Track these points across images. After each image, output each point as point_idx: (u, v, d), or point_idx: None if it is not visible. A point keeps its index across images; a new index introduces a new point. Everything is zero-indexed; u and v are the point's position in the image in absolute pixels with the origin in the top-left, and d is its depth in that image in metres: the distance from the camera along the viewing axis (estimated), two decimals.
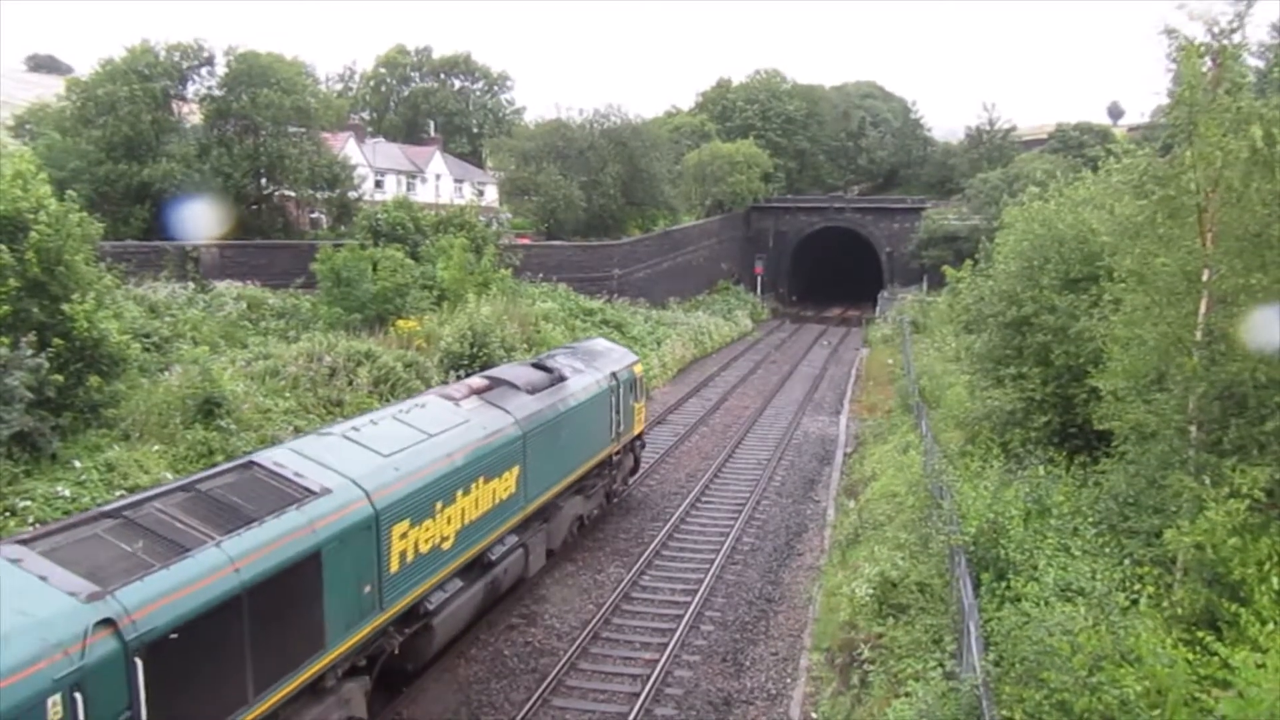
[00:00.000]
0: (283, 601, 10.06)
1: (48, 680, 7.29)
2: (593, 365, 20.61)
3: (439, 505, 13.17)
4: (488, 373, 18.38)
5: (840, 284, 74.57)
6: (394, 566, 12.08)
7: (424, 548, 12.81)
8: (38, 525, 13.63)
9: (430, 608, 13.29)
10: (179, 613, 8.58)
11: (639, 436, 23.46)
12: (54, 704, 7.31)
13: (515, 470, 15.71)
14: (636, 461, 23.68)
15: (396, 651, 12.68)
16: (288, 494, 10.78)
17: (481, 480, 14.51)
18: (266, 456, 11.63)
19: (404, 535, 12.30)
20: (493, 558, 15.26)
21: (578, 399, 18.64)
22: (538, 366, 18.99)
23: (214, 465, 13.32)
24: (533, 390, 17.24)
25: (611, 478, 21.63)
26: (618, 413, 20.99)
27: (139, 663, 8.08)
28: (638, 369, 23.09)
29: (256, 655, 9.57)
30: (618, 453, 21.57)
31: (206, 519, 9.79)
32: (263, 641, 9.67)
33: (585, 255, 47.84)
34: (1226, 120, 10.36)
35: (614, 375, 20.92)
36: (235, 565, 9.37)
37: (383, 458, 12.44)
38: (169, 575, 8.70)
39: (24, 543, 8.57)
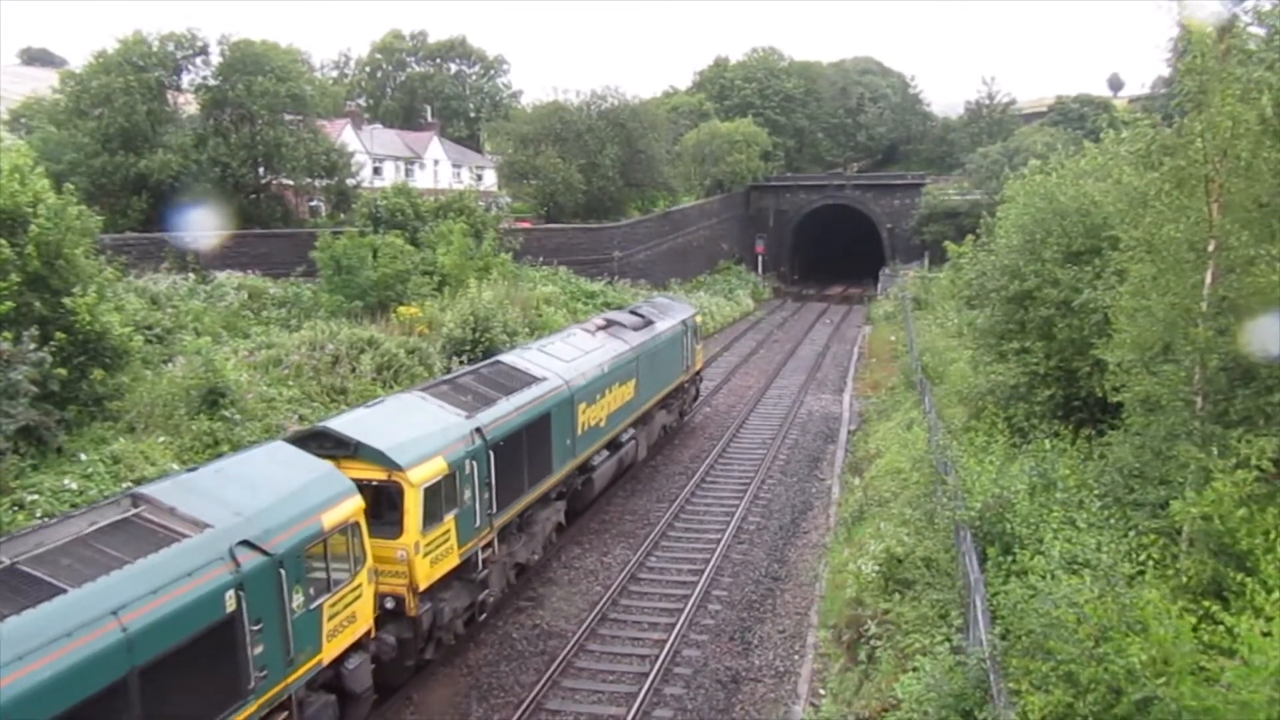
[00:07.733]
0: (537, 438, 16.85)
1: (464, 452, 13.99)
2: (667, 314, 27.46)
3: (597, 396, 20.04)
4: (604, 315, 25.67)
5: (842, 262, 74.21)
6: (580, 431, 18.95)
7: (592, 422, 19.69)
8: (43, 519, 13.69)
9: (594, 465, 20.21)
10: (502, 431, 15.24)
11: (699, 372, 30.34)
12: (468, 464, 14.04)
13: (632, 382, 22.56)
14: (697, 392, 30.65)
15: (580, 487, 19.65)
16: (527, 379, 17.62)
17: (616, 384, 21.37)
18: (505, 358, 18.84)
19: (584, 411, 19.16)
20: (622, 440, 22.08)
21: (662, 337, 25.46)
22: (633, 313, 25.88)
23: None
24: (635, 328, 24.33)
25: (683, 400, 28.35)
26: (687, 350, 27.71)
27: (491, 454, 14.70)
28: (698, 319, 30.47)
29: (529, 466, 16.39)
30: (687, 381, 28.46)
31: (491, 387, 16.47)
32: (530, 459, 16.41)
33: (585, 238, 47.65)
34: (1237, 89, 10.23)
35: (683, 322, 27.64)
36: (518, 409, 16.18)
37: (565, 362, 19.39)
38: (492, 411, 15.42)
39: (421, 390, 15.42)
